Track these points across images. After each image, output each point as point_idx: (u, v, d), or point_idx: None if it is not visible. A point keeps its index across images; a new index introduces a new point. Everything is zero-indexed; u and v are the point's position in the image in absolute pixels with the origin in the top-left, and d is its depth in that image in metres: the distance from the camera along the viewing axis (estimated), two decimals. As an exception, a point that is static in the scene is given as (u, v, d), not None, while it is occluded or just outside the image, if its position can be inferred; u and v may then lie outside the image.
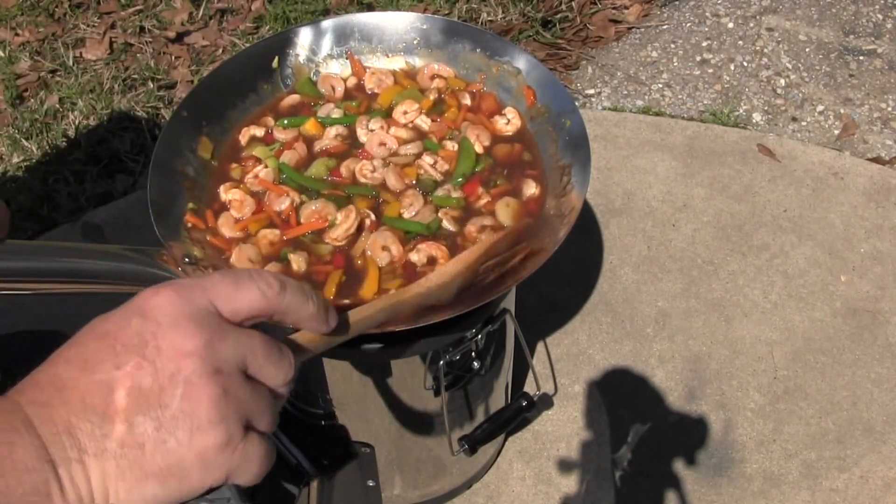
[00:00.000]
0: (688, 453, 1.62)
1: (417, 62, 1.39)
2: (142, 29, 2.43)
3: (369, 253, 1.15)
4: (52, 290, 1.10)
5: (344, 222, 1.16)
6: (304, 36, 1.37)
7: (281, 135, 1.30)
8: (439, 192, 1.22)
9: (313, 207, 1.19)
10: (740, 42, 2.46)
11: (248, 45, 2.37)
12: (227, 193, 1.23)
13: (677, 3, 2.59)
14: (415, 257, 1.14)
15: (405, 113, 1.31)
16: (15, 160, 2.08)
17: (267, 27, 2.43)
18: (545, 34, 2.43)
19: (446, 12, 2.45)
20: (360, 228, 1.17)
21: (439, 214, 1.19)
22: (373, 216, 1.19)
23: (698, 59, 2.42)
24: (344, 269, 1.13)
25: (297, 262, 1.15)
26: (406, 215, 1.19)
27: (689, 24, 2.52)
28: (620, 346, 1.76)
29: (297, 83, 1.36)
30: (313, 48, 1.38)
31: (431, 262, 1.14)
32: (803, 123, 2.25)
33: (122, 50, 2.38)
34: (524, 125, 1.31)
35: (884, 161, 2.14)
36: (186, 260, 1.10)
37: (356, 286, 1.12)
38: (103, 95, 2.22)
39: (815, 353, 1.76)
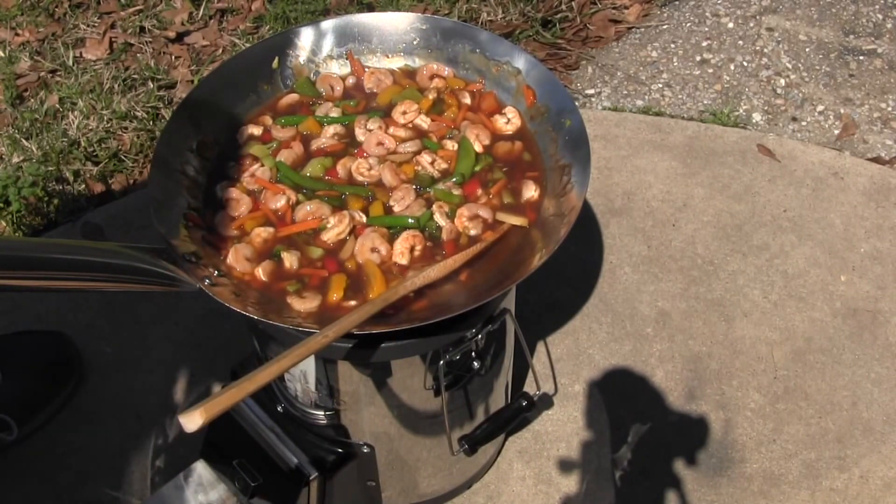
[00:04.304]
0: (688, 453, 1.62)
1: (417, 62, 1.39)
2: (142, 29, 2.43)
3: (358, 258, 1.15)
4: (53, 287, 1.10)
5: (336, 226, 1.17)
6: (305, 36, 1.37)
7: (279, 133, 1.31)
8: (440, 186, 1.22)
9: (308, 208, 1.19)
10: (740, 42, 2.46)
11: (248, 45, 2.37)
12: (223, 192, 1.23)
13: (677, 3, 2.59)
14: (402, 261, 1.14)
15: (404, 113, 1.31)
16: (15, 160, 2.08)
17: (267, 27, 2.43)
18: (545, 34, 2.43)
19: (446, 12, 2.45)
20: (353, 233, 1.18)
21: (433, 208, 1.19)
22: (364, 218, 1.19)
23: (698, 59, 2.42)
24: (347, 273, 1.14)
25: (290, 259, 1.15)
26: (396, 209, 1.20)
27: (689, 24, 2.52)
28: (620, 346, 1.76)
29: (297, 83, 1.37)
30: (313, 49, 1.38)
31: (411, 251, 1.15)
32: (803, 123, 2.25)
33: (122, 50, 2.38)
34: (524, 125, 1.31)
35: (884, 161, 2.14)
36: (186, 258, 1.11)
37: (362, 288, 1.12)
38: (103, 95, 2.22)
39: (815, 353, 1.75)
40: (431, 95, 1.34)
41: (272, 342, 1.25)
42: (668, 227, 1.96)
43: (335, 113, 1.32)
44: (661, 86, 2.35)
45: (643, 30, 2.51)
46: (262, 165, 1.26)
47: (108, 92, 2.24)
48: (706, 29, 2.50)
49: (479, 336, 1.21)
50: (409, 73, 1.38)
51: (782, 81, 2.35)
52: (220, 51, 2.40)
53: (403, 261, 1.14)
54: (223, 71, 1.32)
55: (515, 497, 1.57)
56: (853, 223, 1.96)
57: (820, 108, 2.28)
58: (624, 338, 1.78)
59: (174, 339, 1.76)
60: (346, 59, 1.39)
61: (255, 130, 1.31)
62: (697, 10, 2.56)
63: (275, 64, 1.36)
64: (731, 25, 2.51)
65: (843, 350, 1.76)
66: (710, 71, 2.38)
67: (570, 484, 1.58)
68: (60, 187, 2.04)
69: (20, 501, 1.56)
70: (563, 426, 1.65)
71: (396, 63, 1.39)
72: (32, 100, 2.25)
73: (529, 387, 1.68)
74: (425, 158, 1.25)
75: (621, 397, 1.69)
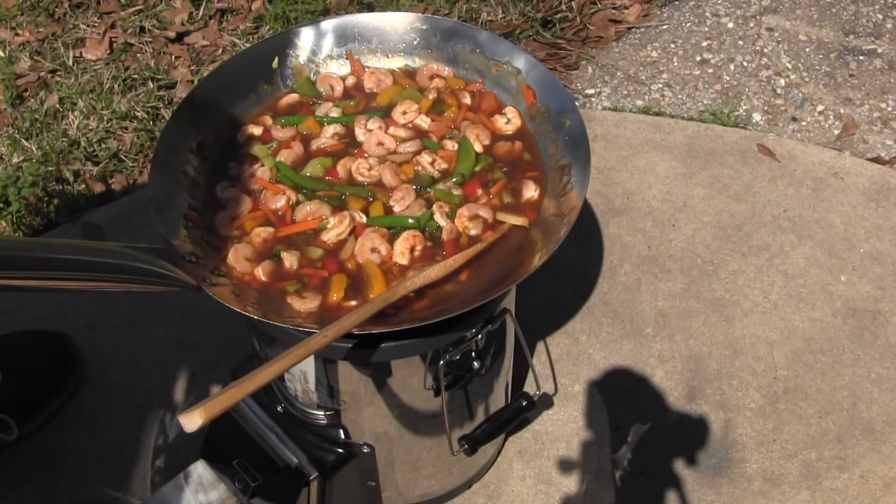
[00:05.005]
0: (688, 453, 1.62)
1: (417, 62, 1.39)
2: (142, 29, 2.43)
3: (359, 259, 1.15)
4: (53, 287, 1.10)
5: (336, 227, 1.17)
6: (305, 36, 1.37)
7: (279, 133, 1.31)
8: (440, 186, 1.22)
9: (308, 208, 1.19)
10: (740, 42, 2.46)
11: (248, 45, 2.37)
12: (223, 192, 1.23)
13: (677, 3, 2.59)
14: (402, 261, 1.14)
15: (404, 113, 1.31)
16: (15, 160, 2.08)
17: (267, 27, 2.43)
18: (545, 34, 2.43)
19: (446, 12, 2.45)
20: (353, 233, 1.18)
21: (433, 208, 1.19)
22: (364, 218, 1.19)
23: (698, 59, 2.42)
24: (347, 274, 1.14)
25: (290, 259, 1.15)
26: (396, 209, 1.20)
27: (689, 24, 2.52)
28: (620, 346, 1.76)
29: (297, 83, 1.37)
30: (313, 49, 1.38)
31: (412, 251, 1.15)
32: (803, 123, 2.25)
33: (122, 50, 2.37)
34: (524, 125, 1.31)
35: (884, 161, 2.14)
36: (186, 258, 1.11)
37: (362, 288, 1.12)
38: (103, 95, 2.22)
39: (815, 353, 1.75)
40: (431, 95, 1.34)
41: (272, 342, 1.25)
42: (668, 227, 1.96)
43: (335, 113, 1.32)
44: (661, 86, 2.35)
45: (643, 30, 2.51)
46: (262, 165, 1.26)
47: (108, 92, 2.24)
48: (706, 29, 2.50)
49: (479, 336, 1.21)
50: (409, 73, 1.38)
51: (782, 81, 2.35)
52: (220, 51, 2.40)
53: (404, 261, 1.14)
54: (223, 71, 1.32)
55: (515, 497, 1.57)
56: (853, 223, 1.96)
57: (820, 108, 2.28)
58: (624, 338, 1.78)
59: (174, 339, 1.76)
60: (346, 59, 1.39)
61: (255, 130, 1.31)
62: (697, 10, 2.56)
63: (275, 64, 1.36)
64: (731, 25, 2.51)
65: (843, 350, 1.76)
66: (710, 71, 2.38)
67: (570, 484, 1.58)
68: (60, 187, 2.04)
69: (20, 501, 1.56)
70: (563, 426, 1.65)
71: (396, 63, 1.39)
72: (32, 100, 2.25)
73: (529, 387, 1.68)
74: (425, 158, 1.25)
75: (621, 397, 1.69)
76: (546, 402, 1.68)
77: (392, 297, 1.06)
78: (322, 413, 1.31)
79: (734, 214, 1.98)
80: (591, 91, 2.34)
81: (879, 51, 2.42)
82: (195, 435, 0.94)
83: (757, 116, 2.26)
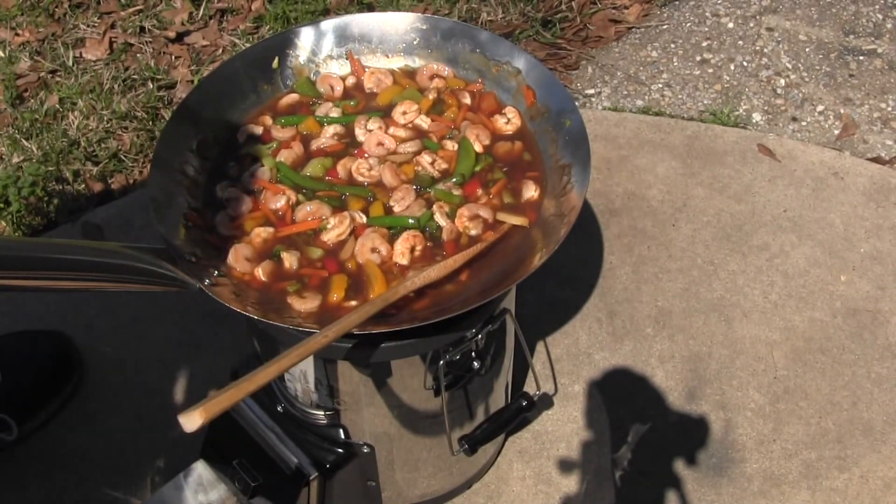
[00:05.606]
0: (688, 453, 1.62)
1: (417, 62, 1.39)
2: (142, 29, 2.43)
3: (359, 259, 1.15)
4: (53, 287, 1.10)
5: (337, 227, 1.17)
6: (305, 36, 1.37)
7: (279, 133, 1.31)
8: (440, 187, 1.22)
9: (308, 208, 1.19)
10: (740, 42, 2.46)
11: (248, 45, 2.37)
12: (223, 192, 1.23)
13: (677, 3, 2.59)
14: (403, 261, 1.14)
15: (404, 113, 1.31)
16: (15, 160, 2.08)
17: (267, 27, 2.43)
18: (545, 34, 2.43)
19: (446, 12, 2.45)
20: (354, 233, 1.18)
21: (433, 208, 1.19)
22: (364, 218, 1.19)
23: (698, 59, 2.42)
24: (347, 274, 1.14)
25: (290, 259, 1.15)
26: (396, 209, 1.20)
27: (689, 24, 2.52)
28: (620, 346, 1.76)
29: (297, 83, 1.37)
30: (313, 49, 1.38)
31: (412, 251, 1.15)
32: (803, 123, 2.25)
33: (122, 50, 2.37)
34: (524, 125, 1.31)
35: (884, 161, 2.14)
36: (186, 258, 1.11)
37: (362, 289, 1.12)
38: (103, 95, 2.22)
39: (815, 353, 1.75)
40: (431, 95, 1.34)
41: (272, 342, 1.25)
42: (668, 227, 1.96)
43: (335, 113, 1.32)
44: (661, 86, 2.35)
45: (643, 30, 2.51)
46: (262, 165, 1.26)
47: (108, 92, 2.24)
48: (706, 29, 2.50)
49: (479, 336, 1.21)
50: (409, 73, 1.38)
51: (782, 81, 2.35)
52: (220, 51, 2.40)
53: (404, 261, 1.14)
54: (223, 71, 1.32)
55: (515, 497, 1.57)
56: (853, 223, 1.96)
57: (820, 108, 2.28)
58: (624, 338, 1.78)
59: (174, 339, 1.76)
60: (346, 59, 1.39)
61: (255, 130, 1.31)
62: (697, 10, 2.56)
63: (275, 64, 1.36)
64: (731, 25, 2.51)
65: (843, 350, 1.76)
66: (710, 71, 2.38)
67: (570, 484, 1.58)
68: (60, 187, 2.04)
69: (20, 501, 1.56)
70: (563, 426, 1.65)
71: (396, 63, 1.39)
72: (32, 100, 2.25)
73: (529, 387, 1.68)
74: (425, 159, 1.25)
75: (621, 397, 1.69)
76: (546, 402, 1.68)
77: (392, 297, 1.06)
78: (322, 413, 1.31)
79: (734, 214, 1.98)
80: (591, 91, 2.34)
81: (879, 51, 2.42)
82: (195, 435, 0.94)
83: (757, 116, 2.26)
